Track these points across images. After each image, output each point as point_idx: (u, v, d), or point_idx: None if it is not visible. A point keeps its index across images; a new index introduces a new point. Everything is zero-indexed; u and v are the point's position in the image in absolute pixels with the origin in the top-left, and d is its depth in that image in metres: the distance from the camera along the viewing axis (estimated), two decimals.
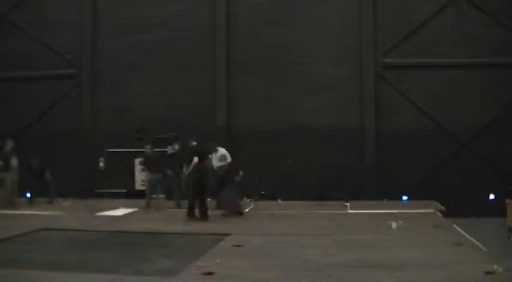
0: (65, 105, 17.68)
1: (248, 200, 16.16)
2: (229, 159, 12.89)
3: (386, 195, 15.57)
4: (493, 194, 14.79)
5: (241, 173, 13.17)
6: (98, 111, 17.64)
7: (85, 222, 11.66)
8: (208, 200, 12.40)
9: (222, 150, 12.98)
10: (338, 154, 16.02)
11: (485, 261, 7.57)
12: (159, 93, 17.06)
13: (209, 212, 11.78)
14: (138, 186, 16.45)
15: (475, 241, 9.37)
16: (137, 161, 16.04)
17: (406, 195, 15.46)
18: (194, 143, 12.07)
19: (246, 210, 13.64)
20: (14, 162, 14.14)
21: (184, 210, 11.93)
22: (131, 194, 16.16)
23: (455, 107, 15.84)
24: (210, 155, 12.72)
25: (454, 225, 11.05)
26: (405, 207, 13.61)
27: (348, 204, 14.32)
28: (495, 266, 7.03)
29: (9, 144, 14.36)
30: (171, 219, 12.13)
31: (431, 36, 16.07)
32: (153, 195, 14.04)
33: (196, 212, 11.61)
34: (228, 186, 12.64)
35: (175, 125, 16.54)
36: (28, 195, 16.88)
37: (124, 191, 16.65)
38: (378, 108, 16.37)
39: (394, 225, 10.93)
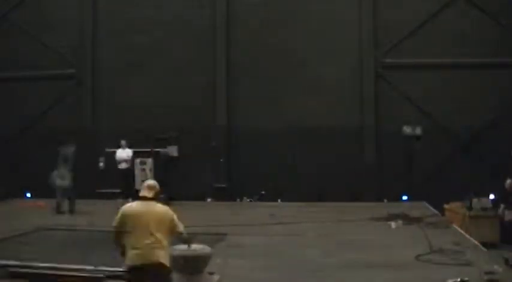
0: (65, 105, 17.65)
1: (248, 200, 16.19)
2: None
3: (386, 195, 15.58)
4: (493, 194, 14.76)
5: None
6: (98, 111, 17.63)
7: None
8: None
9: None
10: (338, 154, 16.00)
11: (485, 261, 7.58)
12: (159, 93, 17.04)
13: None
14: (138, 186, 16.42)
15: (475, 241, 9.38)
16: (137, 160, 16.07)
17: (406, 195, 15.47)
18: None
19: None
20: None
21: None
22: (131, 194, 16.12)
23: (455, 107, 15.82)
24: None
25: (454, 225, 11.07)
26: (405, 208, 13.61)
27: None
28: (495, 266, 7.04)
29: None
30: None
31: (431, 36, 16.05)
32: None
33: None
34: None
35: (176, 125, 16.54)
36: (28, 195, 16.95)
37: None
38: (378, 108, 16.36)
39: (393, 225, 10.94)
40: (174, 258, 5.66)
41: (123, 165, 15.92)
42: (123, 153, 15.95)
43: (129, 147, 16.07)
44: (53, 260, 8.00)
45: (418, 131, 15.13)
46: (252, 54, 16.88)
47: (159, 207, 5.12)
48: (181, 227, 5.21)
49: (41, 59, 17.56)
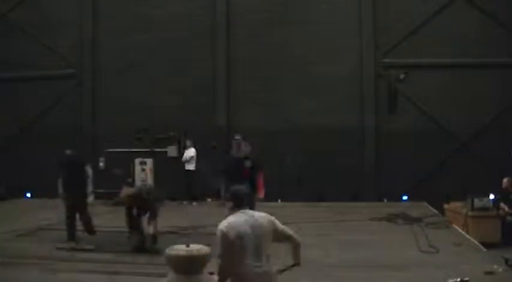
0: (65, 105, 17.65)
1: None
2: None
3: (386, 195, 15.57)
4: (493, 194, 14.76)
5: None
6: (98, 111, 17.63)
7: None
8: None
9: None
10: (338, 154, 15.99)
11: (485, 261, 7.58)
12: (159, 93, 17.03)
13: None
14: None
15: (475, 241, 9.38)
16: (137, 160, 16.02)
17: (406, 195, 15.47)
18: None
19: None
20: None
21: None
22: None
23: (455, 107, 15.82)
24: None
25: (454, 225, 11.06)
26: (405, 208, 13.61)
27: None
28: (495, 266, 7.04)
29: None
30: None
31: (431, 36, 16.04)
32: None
33: None
34: None
35: (175, 125, 16.53)
36: (28, 195, 16.96)
37: None
38: (378, 108, 16.36)
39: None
40: (172, 258, 5.66)
41: (190, 166, 15.70)
42: (191, 153, 15.74)
43: (194, 146, 15.91)
44: (52, 258, 8.02)
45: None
46: (251, 53, 16.87)
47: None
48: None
49: (41, 59, 17.56)
